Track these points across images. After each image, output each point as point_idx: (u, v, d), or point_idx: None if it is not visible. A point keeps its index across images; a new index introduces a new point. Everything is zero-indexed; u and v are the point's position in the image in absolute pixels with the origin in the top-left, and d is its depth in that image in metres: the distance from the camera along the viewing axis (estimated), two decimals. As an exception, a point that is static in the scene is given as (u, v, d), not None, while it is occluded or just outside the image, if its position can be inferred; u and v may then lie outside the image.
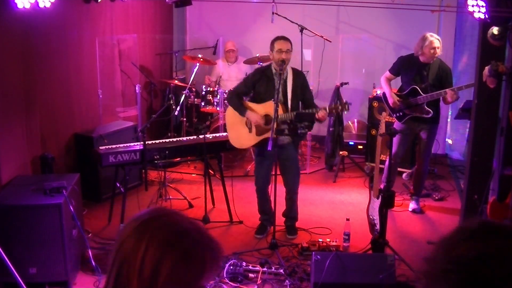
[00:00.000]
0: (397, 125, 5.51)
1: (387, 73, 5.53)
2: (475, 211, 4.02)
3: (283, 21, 6.33)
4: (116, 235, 1.29)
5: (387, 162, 5.43)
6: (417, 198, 5.67)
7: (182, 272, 1.18)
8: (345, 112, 4.82)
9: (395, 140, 5.15)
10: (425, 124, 5.36)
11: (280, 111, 4.64)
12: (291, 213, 5.08)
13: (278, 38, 4.77)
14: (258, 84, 4.82)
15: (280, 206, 4.92)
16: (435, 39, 5.14)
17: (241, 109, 4.85)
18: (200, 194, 5.66)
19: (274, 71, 4.78)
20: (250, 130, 4.87)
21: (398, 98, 5.40)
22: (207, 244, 1.23)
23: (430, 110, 5.23)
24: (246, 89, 4.91)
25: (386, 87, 5.50)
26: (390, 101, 5.43)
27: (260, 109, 4.81)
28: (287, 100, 4.77)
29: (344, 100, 4.78)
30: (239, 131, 4.94)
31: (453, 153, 7.47)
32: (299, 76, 4.91)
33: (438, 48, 5.16)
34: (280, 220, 5.02)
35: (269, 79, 4.78)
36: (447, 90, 5.08)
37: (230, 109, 5.00)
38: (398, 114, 5.44)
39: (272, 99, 4.62)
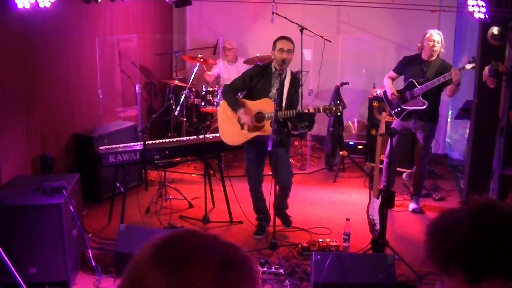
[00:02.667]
0: (395, 124, 5.52)
1: (391, 72, 5.60)
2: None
3: (283, 21, 6.32)
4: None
5: (384, 162, 5.45)
6: (417, 198, 5.67)
7: None
8: (339, 113, 4.84)
9: (393, 139, 5.16)
10: (422, 121, 5.35)
11: (272, 109, 4.64)
12: (282, 205, 5.10)
13: (280, 38, 4.80)
14: (256, 80, 4.82)
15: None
16: (435, 33, 5.22)
17: (235, 105, 4.81)
18: (200, 194, 5.66)
19: (273, 69, 4.79)
20: (242, 127, 4.85)
21: (396, 92, 5.44)
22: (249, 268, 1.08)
23: (425, 101, 5.23)
24: (244, 84, 4.88)
25: (386, 82, 5.56)
26: (389, 93, 5.48)
27: (253, 106, 4.81)
28: (282, 100, 4.77)
29: (337, 101, 4.81)
30: (230, 127, 4.91)
31: (453, 153, 7.47)
32: (296, 81, 4.95)
33: (437, 41, 5.18)
34: (280, 220, 5.02)
35: (267, 77, 4.80)
36: (452, 70, 5.01)
37: (223, 104, 4.98)
38: (396, 110, 5.46)
39: (272, 98, 4.66)
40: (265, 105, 4.74)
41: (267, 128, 4.70)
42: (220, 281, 0.99)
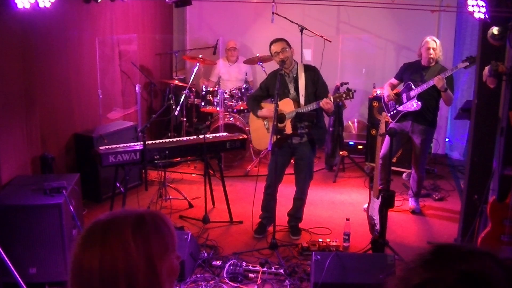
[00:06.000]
0: (393, 125, 5.52)
1: (392, 79, 5.63)
2: (475, 211, 4.02)
3: (283, 21, 6.33)
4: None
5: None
6: (417, 199, 5.67)
7: (144, 249, 1.24)
8: (350, 100, 4.80)
9: (386, 140, 5.16)
10: (417, 124, 5.34)
11: (293, 108, 4.73)
12: (297, 213, 5.09)
13: (271, 42, 4.87)
14: (272, 86, 4.88)
15: (282, 206, 4.92)
16: (431, 41, 5.23)
17: (256, 109, 5.03)
18: (200, 194, 5.66)
19: (283, 71, 4.83)
20: (268, 130, 4.98)
21: (393, 94, 5.46)
22: (150, 220, 1.30)
23: (420, 103, 5.23)
24: (262, 92, 5.06)
25: (386, 86, 5.56)
26: (385, 94, 5.48)
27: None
28: (299, 96, 4.80)
29: (346, 88, 4.76)
30: (260, 133, 5.11)
31: (453, 153, 7.48)
32: (310, 72, 4.91)
33: (433, 49, 5.20)
34: (280, 220, 5.02)
35: (281, 80, 4.82)
36: (434, 78, 5.07)
37: (251, 114, 5.17)
38: (392, 113, 5.46)
39: (292, 98, 4.74)
40: (285, 106, 4.80)
41: (289, 127, 4.77)
42: (137, 237, 1.23)
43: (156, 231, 1.27)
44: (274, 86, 4.81)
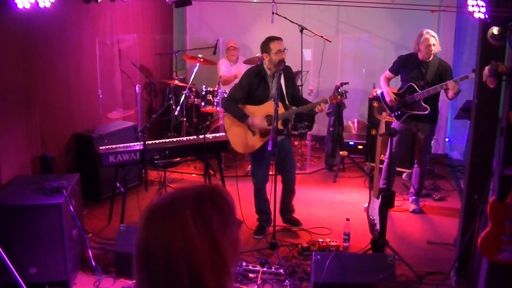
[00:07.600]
0: (395, 124, 5.52)
1: (387, 72, 5.54)
2: (475, 211, 4.02)
3: (283, 21, 6.32)
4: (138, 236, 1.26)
5: (385, 162, 5.45)
6: (417, 198, 5.67)
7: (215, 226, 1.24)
8: (344, 97, 4.93)
9: (393, 140, 5.16)
10: (423, 123, 5.36)
11: (281, 109, 4.66)
12: (289, 206, 5.18)
13: (273, 39, 4.74)
14: (254, 85, 4.79)
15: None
16: (430, 37, 5.17)
17: (243, 116, 4.77)
18: (200, 194, 5.66)
19: (268, 72, 4.78)
20: (254, 133, 4.83)
21: (395, 96, 5.41)
22: (210, 196, 1.28)
23: (427, 106, 5.24)
24: (243, 93, 4.80)
25: (384, 86, 5.51)
26: (388, 99, 5.45)
27: (260, 111, 4.81)
28: (284, 97, 4.79)
29: (339, 90, 4.88)
30: (242, 136, 4.86)
31: (453, 153, 7.48)
32: (288, 72, 4.93)
33: (433, 45, 5.18)
34: (280, 220, 5.02)
35: (263, 80, 4.79)
36: (448, 82, 5.07)
37: (228, 116, 4.92)
38: (396, 113, 5.45)
39: (272, 99, 4.65)
40: (272, 107, 4.67)
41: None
42: (197, 218, 1.22)
43: (215, 209, 1.26)
44: (256, 85, 4.77)
